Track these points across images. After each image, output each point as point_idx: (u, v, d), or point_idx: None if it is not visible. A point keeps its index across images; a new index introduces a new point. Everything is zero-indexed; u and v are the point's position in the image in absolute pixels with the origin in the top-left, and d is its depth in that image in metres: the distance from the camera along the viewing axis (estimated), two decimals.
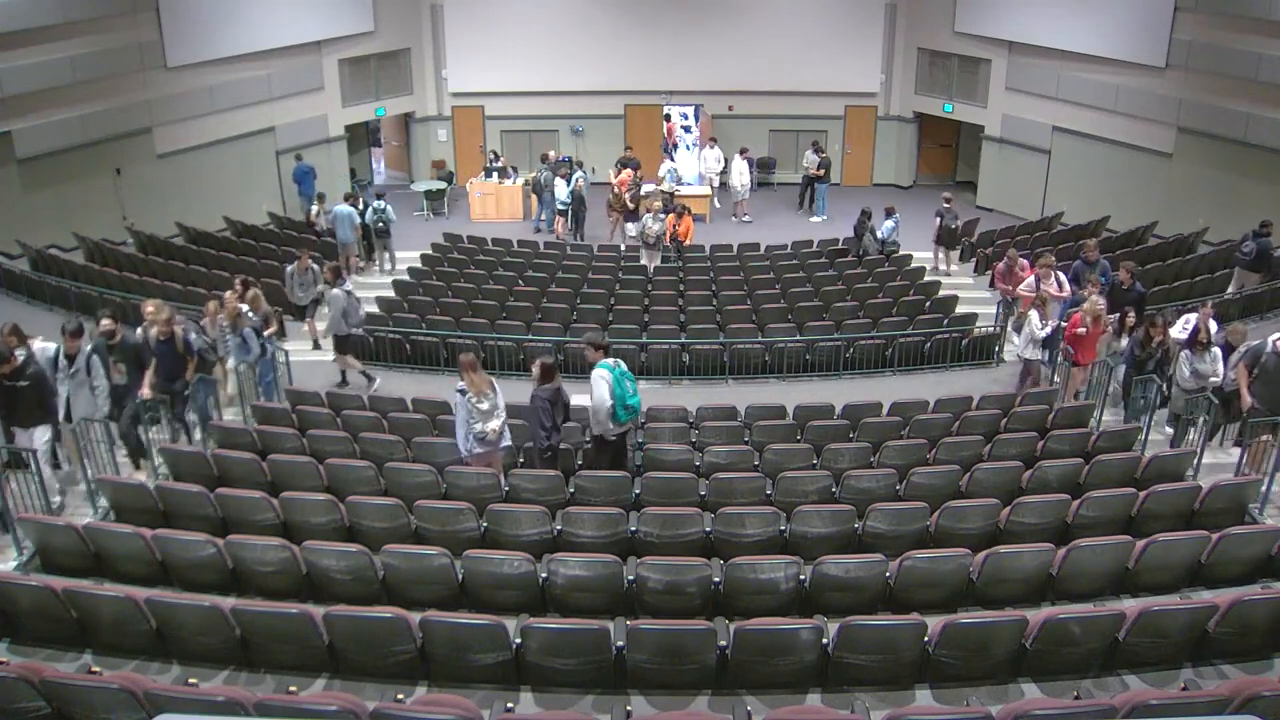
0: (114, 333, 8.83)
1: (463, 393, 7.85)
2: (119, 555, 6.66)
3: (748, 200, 19.46)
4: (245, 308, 10.35)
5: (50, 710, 4.75)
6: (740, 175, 19.06)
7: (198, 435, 9.50)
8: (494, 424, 7.97)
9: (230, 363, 10.26)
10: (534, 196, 18.93)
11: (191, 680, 5.39)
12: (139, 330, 9.46)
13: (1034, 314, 10.63)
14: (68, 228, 15.42)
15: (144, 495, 7.40)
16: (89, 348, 8.47)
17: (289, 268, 12.78)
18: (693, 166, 20.26)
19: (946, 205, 15.88)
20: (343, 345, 11.30)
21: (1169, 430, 9.89)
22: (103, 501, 7.85)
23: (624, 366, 8.03)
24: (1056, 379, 11.09)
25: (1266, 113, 15.03)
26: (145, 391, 8.85)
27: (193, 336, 9.61)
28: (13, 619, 5.93)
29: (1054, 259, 11.93)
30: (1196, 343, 9.55)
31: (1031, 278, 11.73)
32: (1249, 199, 15.52)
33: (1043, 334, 10.55)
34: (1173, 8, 16.06)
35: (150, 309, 9.45)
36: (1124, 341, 10.65)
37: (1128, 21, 16.83)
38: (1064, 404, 10.07)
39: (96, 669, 5.43)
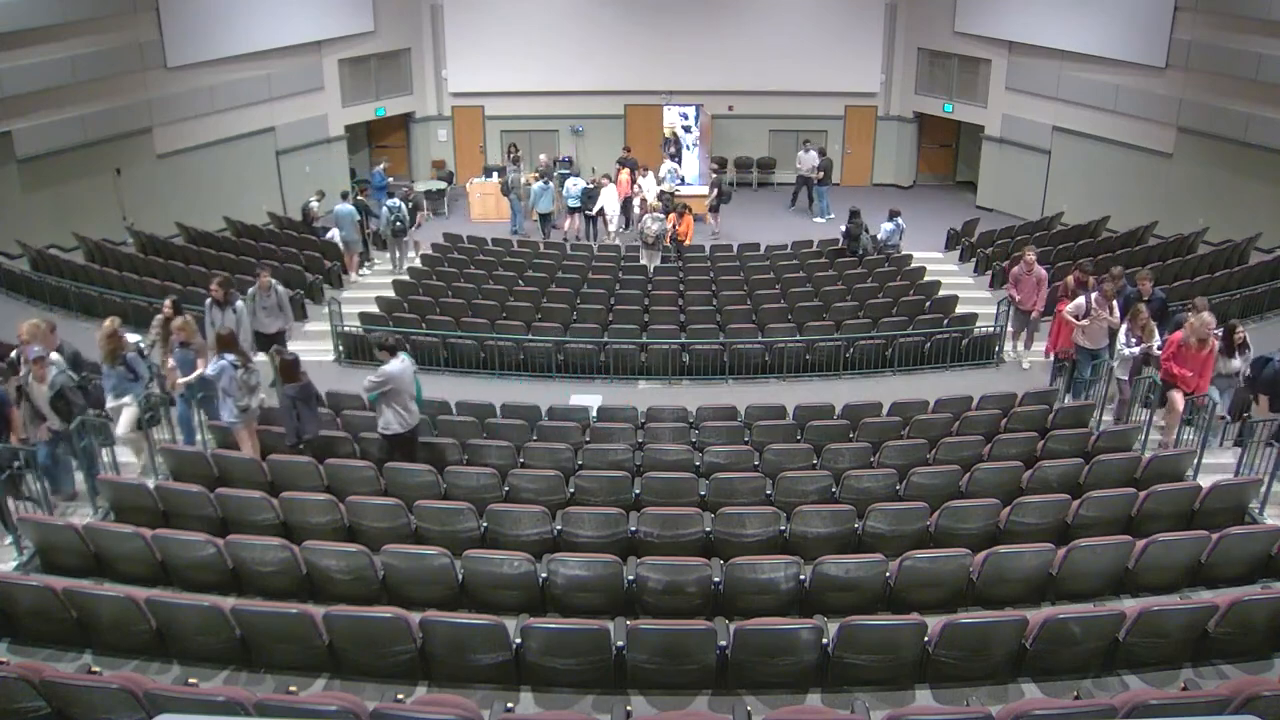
0: None
1: (236, 366, 8.08)
2: (119, 555, 6.67)
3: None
4: (136, 337, 9.21)
5: (50, 710, 4.75)
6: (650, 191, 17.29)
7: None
8: (261, 397, 8.43)
9: (109, 401, 8.69)
10: (504, 199, 18.18)
11: (191, 680, 5.40)
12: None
13: (1123, 329, 9.69)
14: (68, 228, 15.41)
15: (144, 495, 7.40)
16: None
17: (250, 289, 10.87)
18: (694, 167, 20.23)
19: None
20: None
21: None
22: (103, 501, 7.86)
23: (412, 364, 8.41)
24: (1136, 415, 9.74)
25: (1266, 113, 15.01)
26: None
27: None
28: (13, 619, 5.93)
29: (1116, 285, 10.39)
30: None
31: (1081, 299, 10.34)
32: (1249, 199, 15.54)
33: (1131, 351, 9.48)
34: (1173, 8, 16.05)
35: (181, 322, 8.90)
36: (1235, 362, 9.35)
37: (1128, 21, 16.82)
38: (1173, 447, 8.99)
39: (96, 669, 5.44)
